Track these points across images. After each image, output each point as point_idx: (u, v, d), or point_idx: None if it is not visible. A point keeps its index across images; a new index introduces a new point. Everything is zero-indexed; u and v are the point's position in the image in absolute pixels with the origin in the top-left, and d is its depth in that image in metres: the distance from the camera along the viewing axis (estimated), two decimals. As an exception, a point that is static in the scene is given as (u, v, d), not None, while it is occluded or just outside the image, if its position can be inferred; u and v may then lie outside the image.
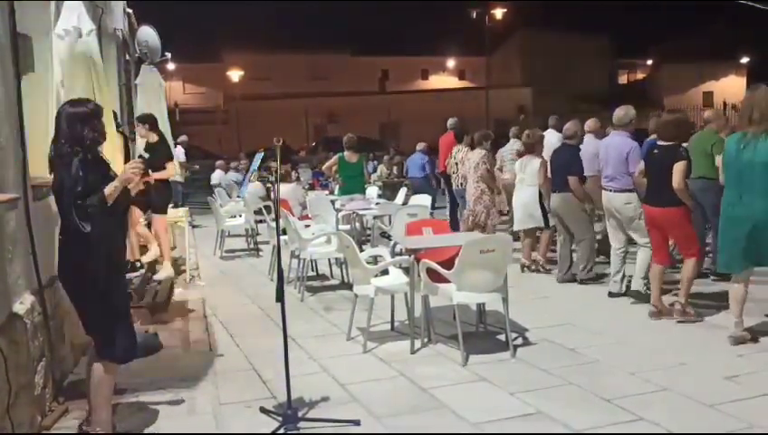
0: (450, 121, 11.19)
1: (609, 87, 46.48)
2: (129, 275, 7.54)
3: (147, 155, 7.53)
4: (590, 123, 8.15)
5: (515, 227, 8.41)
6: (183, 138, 15.28)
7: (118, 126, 7.13)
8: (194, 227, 13.47)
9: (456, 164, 10.01)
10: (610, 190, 6.80)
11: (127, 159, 6.84)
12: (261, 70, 42.31)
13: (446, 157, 10.72)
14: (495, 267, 5.21)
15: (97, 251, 3.61)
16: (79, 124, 3.67)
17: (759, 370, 4.74)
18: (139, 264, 7.44)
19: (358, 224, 10.16)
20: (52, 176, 3.73)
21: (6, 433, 3.50)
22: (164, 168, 7.58)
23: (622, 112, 6.94)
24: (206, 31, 41.55)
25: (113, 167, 4.00)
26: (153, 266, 7.89)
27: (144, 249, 7.98)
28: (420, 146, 12.87)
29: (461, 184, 9.78)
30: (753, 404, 4.19)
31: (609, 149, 6.89)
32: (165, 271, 7.75)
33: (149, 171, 4.21)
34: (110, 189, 3.61)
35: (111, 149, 5.50)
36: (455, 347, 5.35)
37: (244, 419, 4.25)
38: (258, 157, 8.89)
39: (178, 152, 14.49)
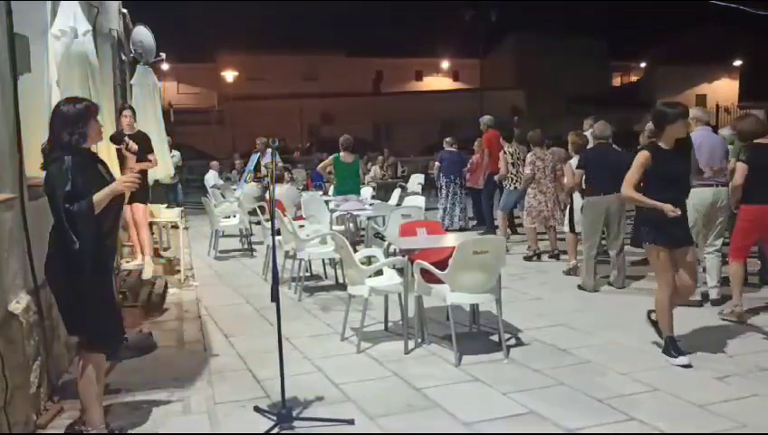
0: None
1: (602, 89, 46.58)
2: (124, 267, 7.55)
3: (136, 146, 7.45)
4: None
5: (579, 229, 7.98)
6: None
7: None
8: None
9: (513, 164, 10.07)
10: (715, 185, 6.51)
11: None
12: (255, 70, 42.27)
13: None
14: (489, 268, 5.24)
15: (84, 254, 3.58)
16: (63, 125, 3.66)
17: (749, 370, 4.79)
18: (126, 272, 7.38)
19: (352, 225, 10.18)
20: (44, 175, 3.73)
21: (2, 432, 3.52)
22: (146, 159, 7.53)
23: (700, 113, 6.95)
24: (200, 31, 41.47)
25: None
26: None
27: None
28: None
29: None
30: (744, 404, 4.23)
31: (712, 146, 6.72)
32: (147, 270, 7.67)
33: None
34: (99, 197, 3.59)
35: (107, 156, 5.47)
36: (448, 347, 5.39)
37: (239, 418, 4.27)
38: (254, 158, 8.92)
39: (176, 155, 14.57)
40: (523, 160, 9.60)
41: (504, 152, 10.17)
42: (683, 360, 4.93)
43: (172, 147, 14.22)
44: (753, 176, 5.94)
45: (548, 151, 9.10)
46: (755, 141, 6.06)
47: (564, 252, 8.83)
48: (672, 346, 5.03)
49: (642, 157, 5.05)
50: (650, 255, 5.16)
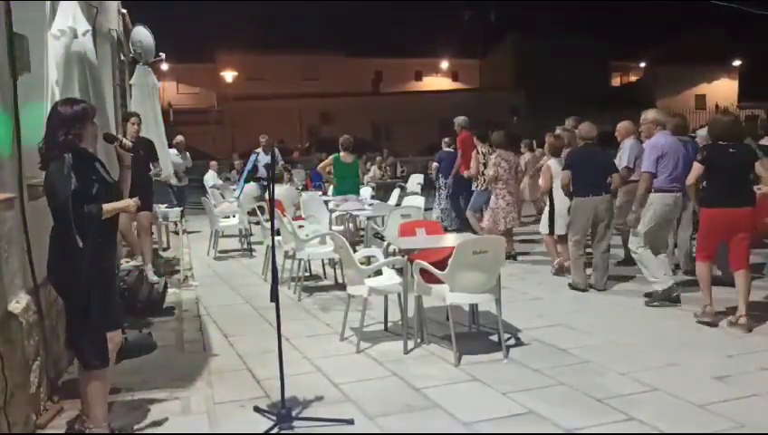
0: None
1: (602, 89, 46.56)
2: (124, 266, 7.55)
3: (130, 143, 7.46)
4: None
5: (559, 231, 8.04)
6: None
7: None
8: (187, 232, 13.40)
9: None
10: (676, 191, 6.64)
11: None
12: (254, 70, 42.30)
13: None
14: (488, 268, 5.25)
15: (86, 258, 3.56)
16: (59, 125, 3.65)
17: (748, 370, 4.80)
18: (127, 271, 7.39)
19: (351, 225, 10.19)
20: (44, 175, 3.72)
21: (2, 432, 3.51)
22: (147, 167, 7.53)
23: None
24: (199, 31, 41.55)
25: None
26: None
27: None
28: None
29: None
30: (743, 404, 4.23)
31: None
32: (151, 275, 7.64)
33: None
34: (109, 208, 3.65)
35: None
36: (447, 347, 5.39)
37: (238, 418, 4.27)
38: (252, 158, 8.93)
39: (188, 158, 14.55)
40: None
41: (478, 152, 10.17)
42: None
43: (185, 148, 14.20)
44: (710, 177, 5.85)
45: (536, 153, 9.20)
46: (717, 142, 5.95)
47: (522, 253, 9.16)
48: None
49: None
50: None
